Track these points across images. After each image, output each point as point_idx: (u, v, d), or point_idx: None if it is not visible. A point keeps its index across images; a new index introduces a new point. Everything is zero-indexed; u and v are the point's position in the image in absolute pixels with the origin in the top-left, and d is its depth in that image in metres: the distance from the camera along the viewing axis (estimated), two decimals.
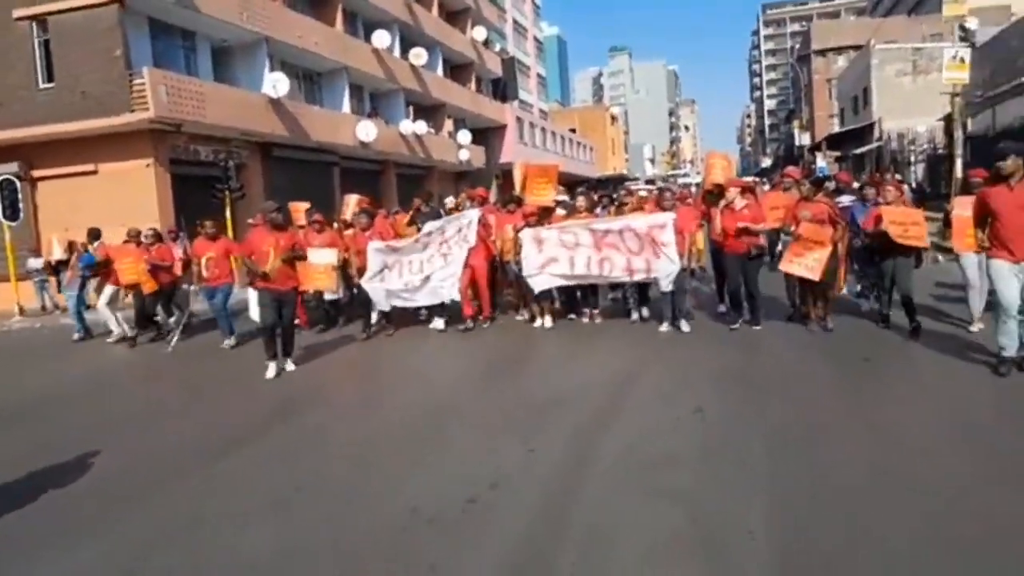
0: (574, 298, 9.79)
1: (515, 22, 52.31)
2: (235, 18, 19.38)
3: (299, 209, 11.73)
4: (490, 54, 39.78)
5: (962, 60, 17.49)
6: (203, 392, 7.62)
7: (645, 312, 9.26)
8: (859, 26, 54.42)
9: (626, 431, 5.22)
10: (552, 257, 9.00)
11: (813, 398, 5.82)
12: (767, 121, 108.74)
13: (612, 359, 7.68)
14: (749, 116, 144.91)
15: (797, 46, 68.28)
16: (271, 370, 7.70)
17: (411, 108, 30.32)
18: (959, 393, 5.64)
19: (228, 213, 16.34)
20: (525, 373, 7.43)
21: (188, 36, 19.54)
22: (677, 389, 6.27)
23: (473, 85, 37.42)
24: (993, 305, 6.18)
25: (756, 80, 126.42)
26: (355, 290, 10.26)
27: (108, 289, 10.87)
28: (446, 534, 3.81)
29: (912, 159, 32.13)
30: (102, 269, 10.86)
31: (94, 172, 17.00)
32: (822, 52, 54.42)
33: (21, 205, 15.38)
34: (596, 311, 9.56)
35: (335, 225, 11.31)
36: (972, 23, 22.83)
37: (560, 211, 10.35)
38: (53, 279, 14.38)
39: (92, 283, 11.44)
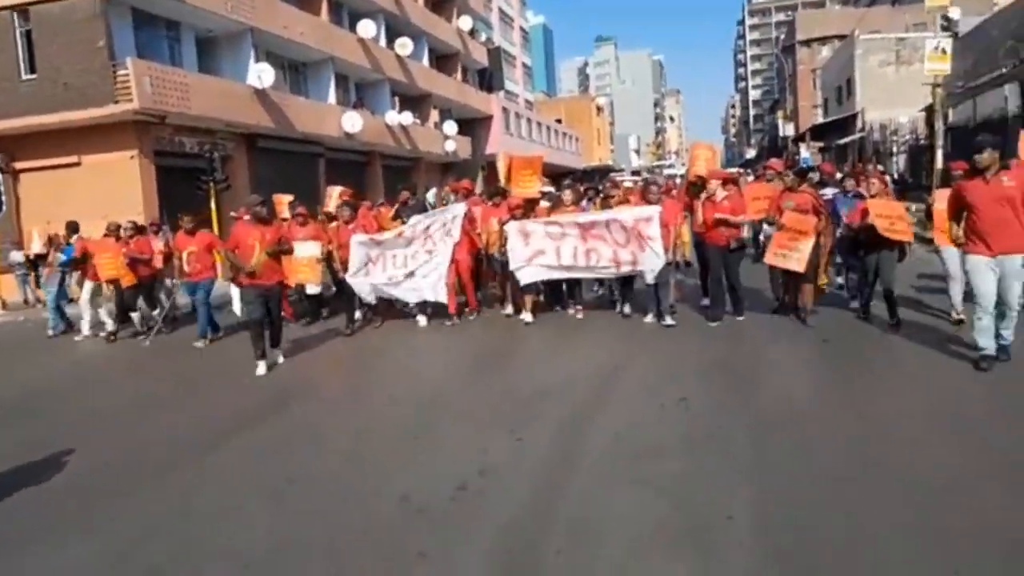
0: (559, 292, 9.85)
1: (501, 11, 52.08)
2: (220, 8, 19.26)
3: (282, 201, 11.60)
4: (476, 44, 39.67)
5: (944, 51, 17.67)
6: (191, 386, 7.60)
7: (627, 309, 9.30)
8: (844, 16, 54.61)
9: (612, 422, 5.29)
10: (539, 249, 9.03)
11: (796, 388, 5.91)
12: (752, 111, 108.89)
13: (597, 352, 7.74)
14: (734, 107, 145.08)
15: (782, 36, 68.46)
16: (261, 368, 7.60)
17: (397, 99, 30.23)
18: (943, 384, 5.72)
19: (213, 205, 16.29)
20: (511, 366, 7.49)
21: (172, 26, 19.41)
22: (662, 380, 6.35)
23: (459, 75, 37.33)
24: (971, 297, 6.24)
25: (741, 70, 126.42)
26: (338, 285, 10.21)
27: (87, 285, 10.65)
28: (436, 522, 3.88)
29: (894, 150, 32.37)
30: (80, 265, 10.69)
31: (77, 164, 16.91)
32: (807, 42, 54.53)
33: (3, 197, 15.17)
34: (580, 306, 9.60)
35: (319, 217, 11.23)
36: (955, 13, 22.98)
37: (544, 203, 10.37)
38: (33, 273, 14.23)
39: (75, 276, 11.21)
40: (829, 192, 9.39)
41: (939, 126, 19.56)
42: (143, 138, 16.93)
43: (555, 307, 9.89)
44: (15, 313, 14.87)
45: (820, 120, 45.56)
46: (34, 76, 16.44)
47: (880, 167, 26.53)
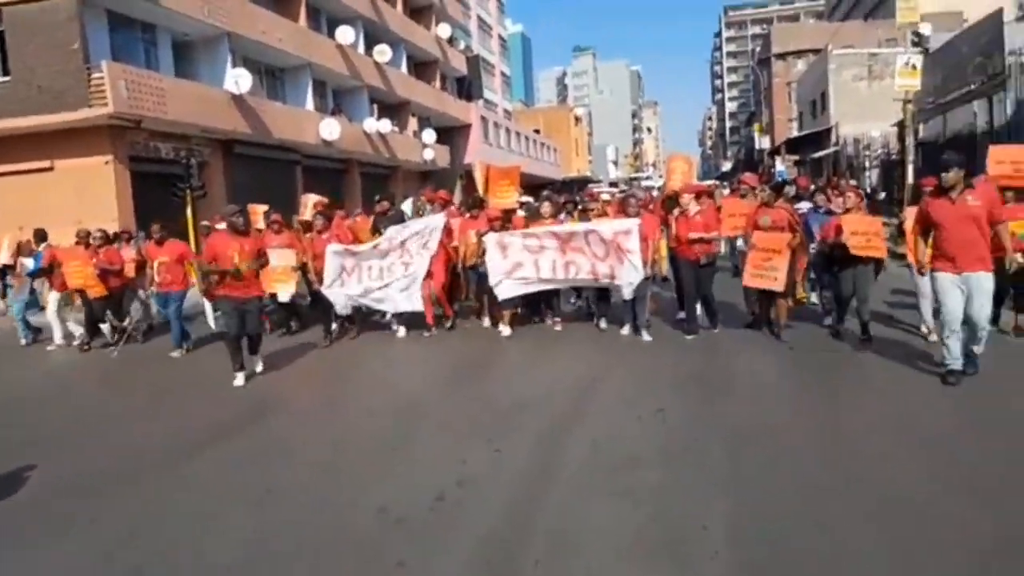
0: (537, 304, 9.86)
1: (480, 19, 52.24)
2: (196, 12, 19.14)
3: (257, 211, 11.34)
4: (455, 52, 39.79)
5: (914, 67, 17.99)
6: (168, 396, 7.52)
7: (603, 324, 9.31)
8: (818, 30, 55.29)
9: (590, 433, 5.34)
10: (517, 262, 9.04)
11: (770, 402, 6.02)
12: (728, 124, 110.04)
13: (575, 363, 7.79)
14: (711, 119, 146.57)
15: (758, 49, 69.19)
16: (239, 379, 7.52)
17: (375, 106, 30.21)
18: (912, 399, 5.82)
19: (189, 212, 16.10)
20: (490, 378, 7.51)
21: (148, 29, 19.23)
22: (639, 393, 6.43)
23: (438, 83, 37.39)
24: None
25: (718, 82, 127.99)
26: (314, 296, 10.14)
27: (53, 296, 10.38)
28: (414, 533, 3.90)
29: (867, 164, 32.87)
30: (47, 274, 10.42)
31: (50, 169, 16.67)
32: (782, 55, 55.14)
33: None
34: (558, 318, 9.63)
35: (294, 226, 11.14)
36: (925, 29, 23.42)
37: (521, 213, 10.38)
38: (1, 283, 13.87)
39: (46, 283, 10.83)
40: (804, 206, 9.46)
41: (910, 141, 19.90)
42: (118, 143, 16.75)
43: (533, 319, 9.92)
44: None
45: (795, 133, 46.12)
46: (7, 78, 16.20)
47: (853, 181, 26.98)
